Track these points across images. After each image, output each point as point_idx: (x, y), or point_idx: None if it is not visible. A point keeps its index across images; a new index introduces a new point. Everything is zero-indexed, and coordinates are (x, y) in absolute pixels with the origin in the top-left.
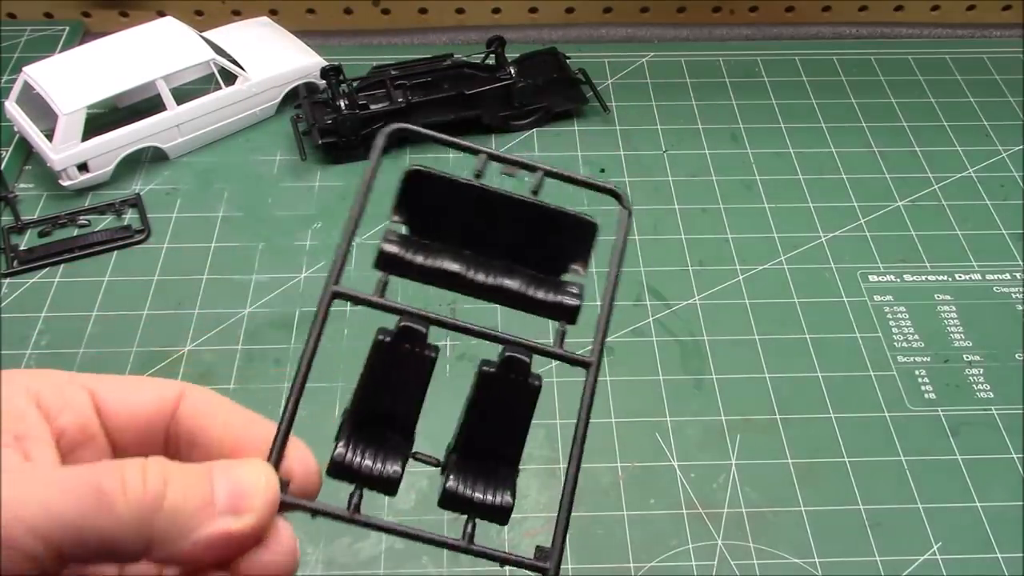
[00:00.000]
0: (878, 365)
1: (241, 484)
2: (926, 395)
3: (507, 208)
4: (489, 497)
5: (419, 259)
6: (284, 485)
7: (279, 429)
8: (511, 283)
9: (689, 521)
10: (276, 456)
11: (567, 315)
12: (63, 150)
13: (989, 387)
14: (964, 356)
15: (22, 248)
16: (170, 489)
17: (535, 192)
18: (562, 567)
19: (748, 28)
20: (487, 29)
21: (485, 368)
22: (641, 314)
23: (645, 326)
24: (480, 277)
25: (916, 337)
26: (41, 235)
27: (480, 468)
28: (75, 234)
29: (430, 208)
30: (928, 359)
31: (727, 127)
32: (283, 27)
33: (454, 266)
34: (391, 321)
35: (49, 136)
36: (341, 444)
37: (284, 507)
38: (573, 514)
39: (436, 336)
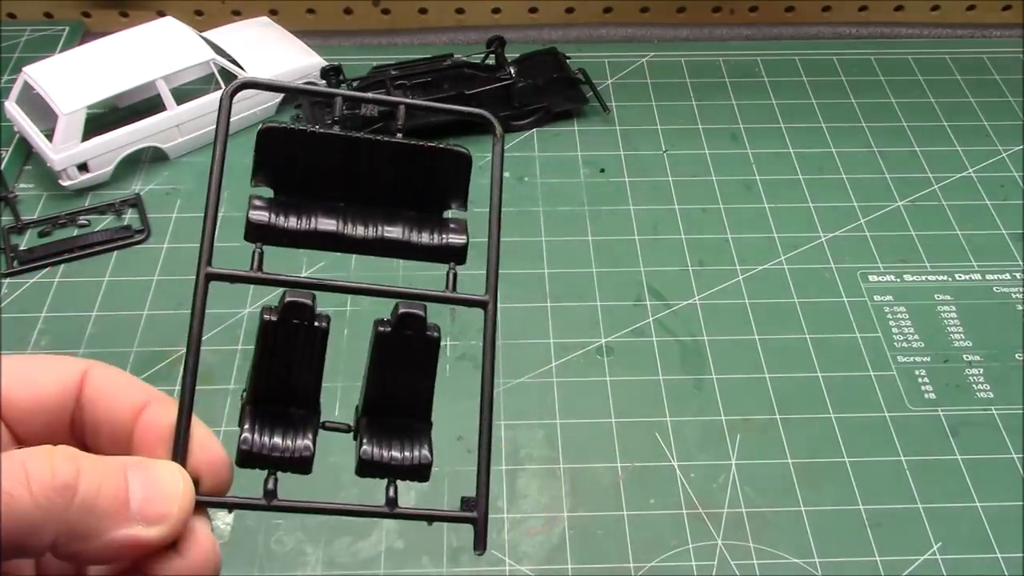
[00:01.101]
0: (878, 365)
1: (157, 487)
2: (926, 395)
3: (374, 152)
4: (406, 456)
5: (291, 223)
6: (196, 483)
7: (178, 426)
8: (392, 231)
9: (689, 521)
10: (181, 454)
11: (455, 255)
12: (63, 150)
13: (989, 387)
14: (964, 356)
15: (22, 248)
16: (83, 481)
17: (401, 129)
18: (562, 567)
19: (748, 28)
20: (487, 29)
21: (381, 328)
22: (641, 314)
23: (645, 326)
24: (359, 231)
25: (916, 337)
26: (41, 235)
27: (392, 427)
28: (75, 234)
29: (293, 166)
30: (928, 359)
31: (727, 127)
32: (283, 27)
33: (329, 223)
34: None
35: (49, 136)
36: (246, 431)
37: (199, 505)
38: (573, 514)
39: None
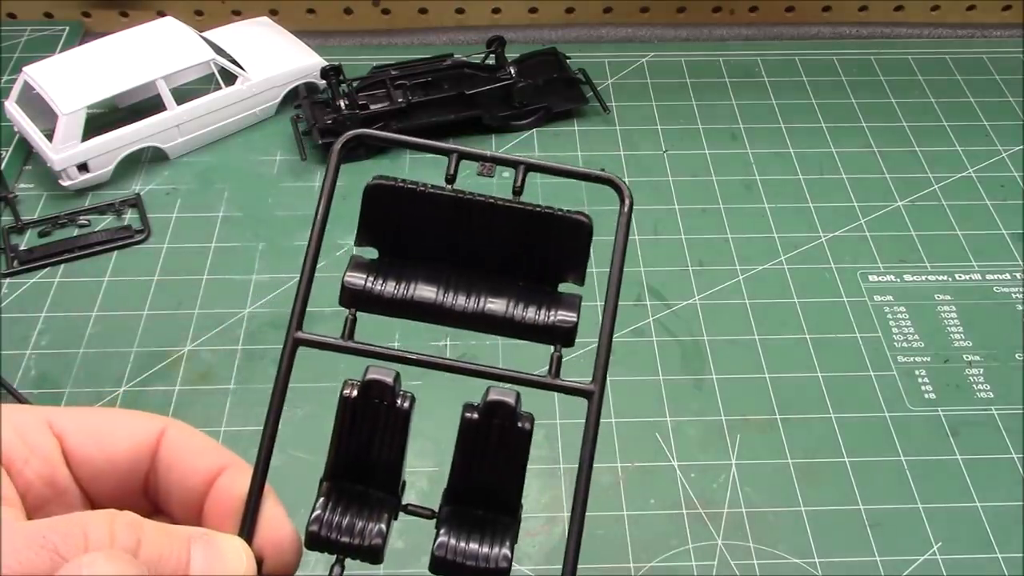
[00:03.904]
0: (878, 365)
1: (219, 563)
2: (926, 395)
3: (486, 214)
4: (482, 558)
5: (389, 289)
6: (260, 562)
7: (248, 500)
8: (495, 305)
9: (689, 521)
10: (248, 529)
11: (562, 338)
12: (63, 150)
13: (989, 387)
14: (964, 356)
15: (22, 248)
16: (143, 551)
17: (518, 191)
18: (562, 567)
19: (748, 28)
20: (487, 29)
21: (468, 415)
22: (641, 314)
23: (645, 326)
24: (459, 302)
25: (916, 337)
26: (41, 235)
27: (475, 520)
28: (75, 234)
29: (400, 225)
30: (928, 359)
31: (727, 127)
32: (283, 27)
33: (428, 292)
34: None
35: (49, 136)
36: (318, 508)
37: None
38: None
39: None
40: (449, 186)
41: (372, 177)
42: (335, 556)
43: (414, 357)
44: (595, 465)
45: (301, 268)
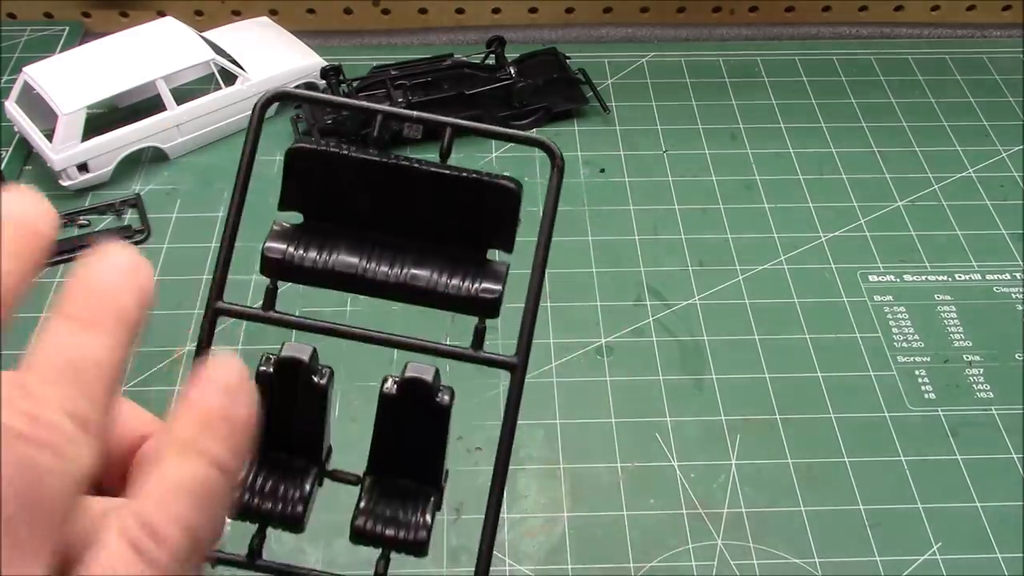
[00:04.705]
0: (878, 365)
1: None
2: (926, 395)
3: (412, 179)
4: (402, 529)
5: (309, 258)
6: None
7: None
8: (419, 275)
9: (689, 521)
10: None
11: (486, 309)
12: (63, 150)
13: (989, 387)
14: (964, 356)
15: None
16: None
17: (445, 153)
18: (562, 567)
19: (748, 28)
20: (487, 29)
21: (385, 388)
22: (641, 314)
23: (645, 326)
24: (383, 270)
25: (916, 337)
26: None
27: (396, 491)
28: (75, 234)
29: (324, 191)
30: (928, 359)
31: (727, 127)
32: (283, 27)
33: (350, 261)
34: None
35: (49, 136)
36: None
37: None
38: (573, 514)
39: None
40: (373, 150)
41: (294, 140)
42: (256, 526)
43: (335, 328)
44: (595, 465)
45: (221, 237)
